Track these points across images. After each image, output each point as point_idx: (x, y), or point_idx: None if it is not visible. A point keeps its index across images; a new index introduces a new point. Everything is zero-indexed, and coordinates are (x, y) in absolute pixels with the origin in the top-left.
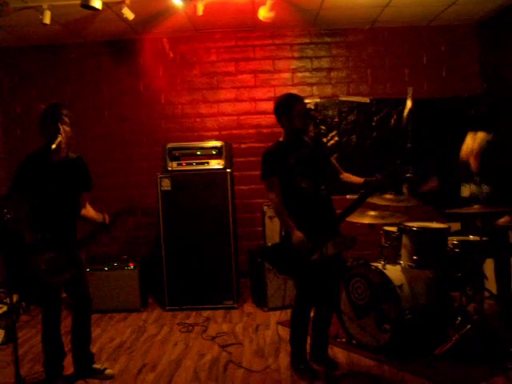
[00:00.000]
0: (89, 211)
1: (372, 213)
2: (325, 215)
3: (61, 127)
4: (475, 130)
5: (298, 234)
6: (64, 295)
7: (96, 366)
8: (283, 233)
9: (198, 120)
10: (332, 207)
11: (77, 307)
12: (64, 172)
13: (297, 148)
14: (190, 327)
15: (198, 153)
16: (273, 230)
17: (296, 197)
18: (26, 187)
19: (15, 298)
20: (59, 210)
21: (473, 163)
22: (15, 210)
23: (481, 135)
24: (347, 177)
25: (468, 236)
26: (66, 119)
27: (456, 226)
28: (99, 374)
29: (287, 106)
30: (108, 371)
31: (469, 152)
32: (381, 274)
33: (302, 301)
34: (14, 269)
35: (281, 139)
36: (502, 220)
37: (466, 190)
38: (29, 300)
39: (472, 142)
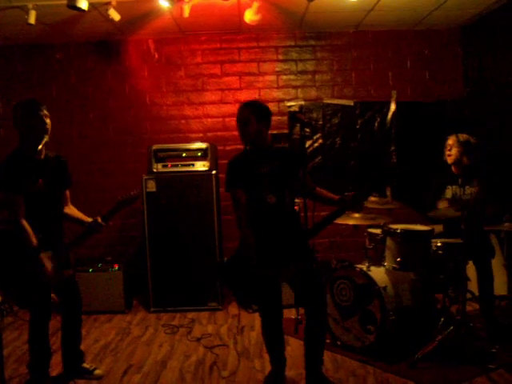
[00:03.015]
0: (72, 210)
1: (356, 215)
2: (285, 234)
3: (46, 121)
4: (457, 132)
5: (254, 263)
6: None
7: (85, 365)
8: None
9: (183, 122)
10: (297, 226)
11: (69, 307)
12: (49, 170)
13: (265, 158)
14: (175, 329)
15: (184, 154)
16: None
17: (258, 211)
18: (14, 187)
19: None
20: (48, 208)
21: (453, 165)
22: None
23: (462, 137)
24: (320, 192)
25: (451, 238)
26: (47, 113)
27: (438, 228)
28: (88, 373)
29: (269, 116)
30: (97, 371)
31: (449, 154)
32: (365, 275)
33: (263, 317)
34: (7, 270)
35: (248, 147)
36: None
37: (449, 192)
38: (18, 302)
39: (452, 144)
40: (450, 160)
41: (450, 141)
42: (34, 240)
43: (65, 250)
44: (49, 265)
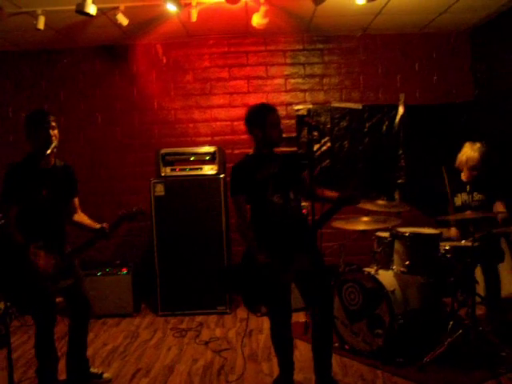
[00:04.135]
0: (82, 217)
1: (365, 218)
2: (294, 231)
3: (52, 132)
4: (473, 140)
5: (262, 257)
6: (58, 301)
7: (93, 370)
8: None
9: (191, 125)
10: (303, 222)
11: (77, 314)
12: (54, 179)
13: (267, 161)
14: (183, 332)
15: (192, 158)
16: None
17: (265, 212)
18: (17, 195)
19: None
20: (51, 217)
21: (465, 172)
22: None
23: (479, 145)
24: (321, 192)
25: (460, 241)
26: (55, 124)
27: (449, 232)
28: (97, 378)
29: (261, 117)
30: (106, 375)
31: (464, 161)
32: (373, 279)
33: (272, 320)
34: (9, 276)
35: (250, 152)
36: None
37: (458, 200)
38: (22, 309)
39: (470, 151)
40: (469, 177)
41: (476, 162)
42: (21, 238)
43: (67, 258)
44: (41, 258)
